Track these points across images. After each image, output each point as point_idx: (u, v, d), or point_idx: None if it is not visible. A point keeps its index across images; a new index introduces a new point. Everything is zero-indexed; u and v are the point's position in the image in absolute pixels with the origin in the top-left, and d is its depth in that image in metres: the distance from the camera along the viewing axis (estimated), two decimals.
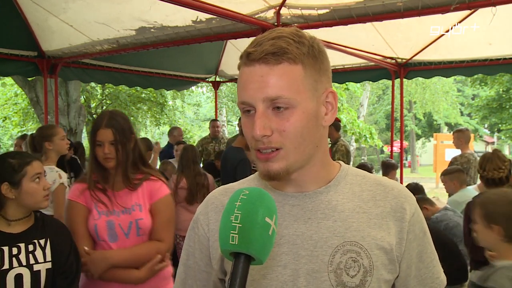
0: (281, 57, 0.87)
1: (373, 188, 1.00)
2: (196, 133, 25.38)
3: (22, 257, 1.72)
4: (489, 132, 28.71)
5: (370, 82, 11.79)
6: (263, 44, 0.88)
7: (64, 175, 3.33)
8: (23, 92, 10.98)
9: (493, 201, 2.00)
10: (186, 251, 1.07)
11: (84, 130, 12.10)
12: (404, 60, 6.07)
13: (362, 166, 4.38)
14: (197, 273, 1.04)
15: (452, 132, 5.75)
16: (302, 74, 0.89)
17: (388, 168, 5.42)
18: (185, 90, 15.65)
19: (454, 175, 4.32)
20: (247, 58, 0.89)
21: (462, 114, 26.75)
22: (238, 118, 6.75)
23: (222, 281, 1.03)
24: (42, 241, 1.80)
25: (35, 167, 1.83)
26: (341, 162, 1.05)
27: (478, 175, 3.19)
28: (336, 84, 9.24)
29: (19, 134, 16.10)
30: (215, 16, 4.09)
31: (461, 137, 5.43)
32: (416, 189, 4.38)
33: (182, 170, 4.36)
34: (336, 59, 5.84)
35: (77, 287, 1.89)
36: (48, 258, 1.79)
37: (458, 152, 5.49)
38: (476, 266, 3.03)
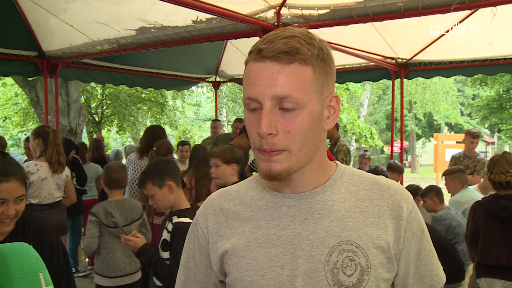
0: (293, 57, 0.87)
1: (370, 187, 1.00)
2: (196, 133, 25.43)
3: None
4: (489, 132, 28.70)
5: (371, 82, 11.78)
6: (276, 42, 0.87)
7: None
8: (23, 92, 10.98)
9: None
10: (186, 253, 1.08)
11: (84, 130, 12.11)
12: (404, 60, 6.07)
13: (374, 171, 4.28)
14: (197, 275, 1.06)
15: (466, 133, 5.51)
16: (311, 76, 0.89)
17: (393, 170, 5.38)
18: (185, 90, 15.68)
19: (455, 175, 4.30)
20: (258, 54, 0.88)
21: (462, 114, 26.75)
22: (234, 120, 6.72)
23: (223, 283, 1.04)
24: None
25: (2, 189, 1.67)
26: (338, 162, 1.06)
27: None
28: (336, 84, 9.23)
29: (19, 134, 16.13)
30: (215, 16, 4.09)
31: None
32: (416, 191, 4.37)
33: (194, 169, 4.26)
34: (336, 59, 5.64)
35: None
36: None
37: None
38: (487, 272, 2.89)
